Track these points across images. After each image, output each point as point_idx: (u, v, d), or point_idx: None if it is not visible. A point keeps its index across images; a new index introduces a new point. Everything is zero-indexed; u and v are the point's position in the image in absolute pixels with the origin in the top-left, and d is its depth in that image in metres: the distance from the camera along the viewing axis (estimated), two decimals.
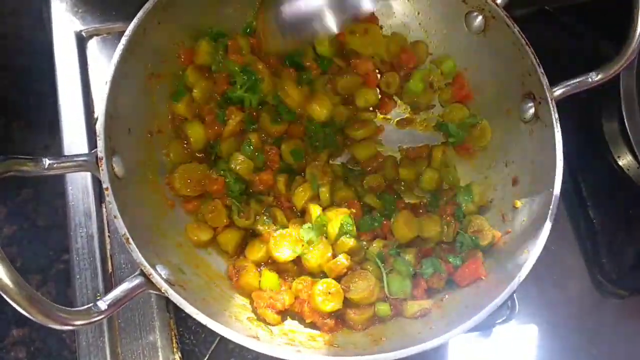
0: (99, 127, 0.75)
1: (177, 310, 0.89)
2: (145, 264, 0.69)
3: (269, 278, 0.85)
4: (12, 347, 0.91)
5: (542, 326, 0.94)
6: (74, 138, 0.97)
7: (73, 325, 0.61)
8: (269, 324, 0.82)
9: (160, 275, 0.71)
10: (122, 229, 0.71)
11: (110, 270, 0.92)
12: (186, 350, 0.87)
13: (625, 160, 0.99)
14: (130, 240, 0.70)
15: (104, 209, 0.94)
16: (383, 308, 0.84)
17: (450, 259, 0.87)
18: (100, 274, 0.91)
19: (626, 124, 0.96)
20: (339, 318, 0.84)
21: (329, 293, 0.82)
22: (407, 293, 0.85)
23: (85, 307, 0.63)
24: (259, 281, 0.85)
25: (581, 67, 0.85)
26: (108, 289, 0.90)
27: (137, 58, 0.82)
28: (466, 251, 0.87)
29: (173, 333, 0.89)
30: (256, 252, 0.87)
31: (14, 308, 0.57)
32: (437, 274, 0.85)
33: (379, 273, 0.86)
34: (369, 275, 0.85)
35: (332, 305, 0.82)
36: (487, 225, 0.88)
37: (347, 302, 0.84)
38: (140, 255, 0.70)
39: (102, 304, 0.64)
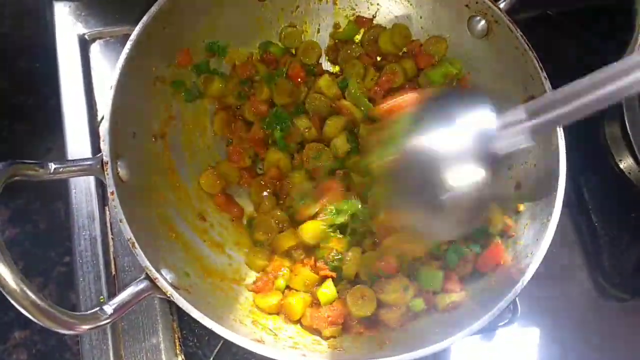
0: (104, 131, 0.76)
1: (181, 313, 0.89)
2: (151, 268, 0.69)
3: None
4: (13, 349, 0.91)
5: (544, 329, 0.94)
6: (77, 141, 0.97)
7: (79, 329, 0.61)
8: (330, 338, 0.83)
9: (165, 279, 0.71)
10: (128, 233, 0.71)
11: (113, 273, 0.92)
12: (189, 353, 0.87)
13: (626, 164, 0.99)
14: (136, 244, 0.70)
15: (107, 212, 0.94)
16: (417, 303, 0.83)
17: (470, 247, 0.86)
18: (104, 277, 0.91)
19: (627, 127, 0.96)
20: (372, 319, 0.84)
21: (362, 298, 0.83)
22: (438, 285, 0.84)
23: (92, 311, 0.63)
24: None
25: (583, 72, 0.85)
26: (111, 292, 0.90)
27: (142, 63, 0.82)
28: (483, 239, 0.87)
29: (176, 336, 0.89)
30: (287, 240, 0.89)
31: (16, 310, 0.57)
32: (463, 261, 0.85)
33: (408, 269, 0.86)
34: (400, 275, 0.85)
35: (366, 310, 0.82)
36: (497, 213, 0.87)
37: (378, 302, 0.84)
38: (145, 259, 0.70)
39: (108, 308, 0.64)
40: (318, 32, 1.02)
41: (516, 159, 0.90)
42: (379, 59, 1.01)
